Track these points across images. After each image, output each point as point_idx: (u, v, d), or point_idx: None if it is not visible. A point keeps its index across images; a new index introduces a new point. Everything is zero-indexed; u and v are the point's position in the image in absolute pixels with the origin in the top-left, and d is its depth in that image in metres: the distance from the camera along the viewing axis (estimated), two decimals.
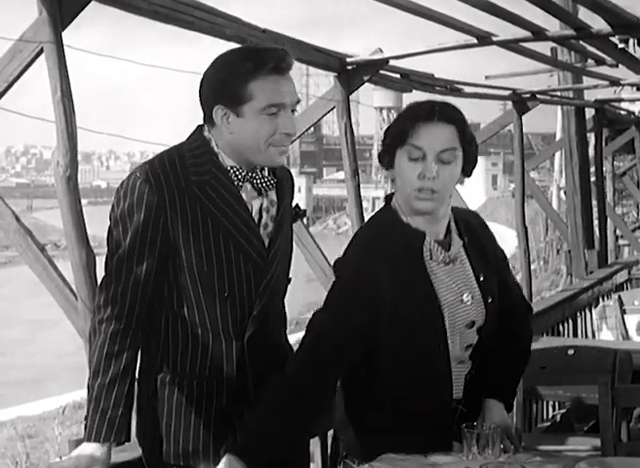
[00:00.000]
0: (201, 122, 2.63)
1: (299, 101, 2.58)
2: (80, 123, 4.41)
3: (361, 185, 6.21)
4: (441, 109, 2.58)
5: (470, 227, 2.74)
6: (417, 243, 2.62)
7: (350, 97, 5.98)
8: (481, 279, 2.70)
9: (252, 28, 4.69)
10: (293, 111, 2.57)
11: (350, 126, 6.09)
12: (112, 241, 2.58)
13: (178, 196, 2.51)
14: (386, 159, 2.64)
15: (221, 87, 2.52)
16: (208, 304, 2.57)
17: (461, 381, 2.73)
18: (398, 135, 2.59)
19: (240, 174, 2.58)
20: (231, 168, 2.57)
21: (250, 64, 2.48)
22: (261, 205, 2.63)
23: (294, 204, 2.80)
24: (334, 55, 5.54)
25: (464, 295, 2.66)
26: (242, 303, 2.58)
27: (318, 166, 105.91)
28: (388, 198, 2.71)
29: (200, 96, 2.59)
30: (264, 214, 2.63)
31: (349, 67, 5.72)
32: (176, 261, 2.55)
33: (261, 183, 2.60)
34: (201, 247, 2.53)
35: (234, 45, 4.78)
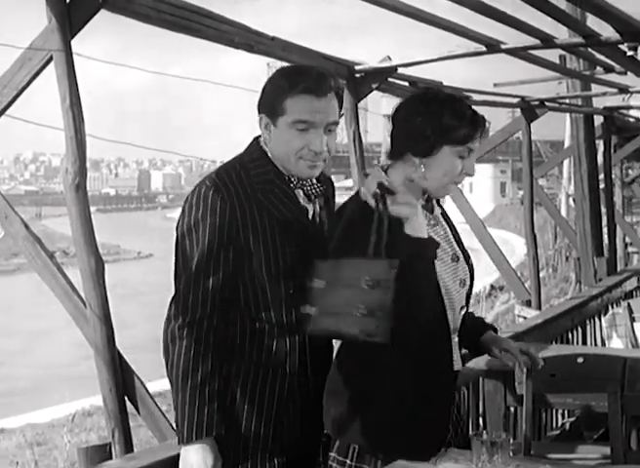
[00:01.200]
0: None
1: (335, 123, 2.80)
2: (89, 130, 4.42)
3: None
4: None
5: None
6: None
7: (359, 104, 5.99)
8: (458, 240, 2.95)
9: (260, 36, 4.70)
10: (330, 131, 2.80)
11: (359, 133, 6.09)
12: (185, 249, 2.75)
13: (246, 204, 2.73)
14: (425, 147, 2.79)
15: (266, 99, 2.80)
16: (275, 302, 2.80)
17: (457, 352, 2.93)
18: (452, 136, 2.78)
19: (293, 181, 2.84)
20: (287, 176, 2.83)
21: (286, 82, 2.75)
22: (314, 210, 2.90)
23: None
24: (342, 62, 5.55)
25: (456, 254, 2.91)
26: (302, 300, 2.75)
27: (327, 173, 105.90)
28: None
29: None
30: (316, 218, 2.90)
31: (358, 75, 5.72)
32: (248, 265, 2.76)
33: (311, 190, 2.87)
34: (269, 249, 2.76)
35: (243, 53, 4.81)
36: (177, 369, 2.69)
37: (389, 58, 5.68)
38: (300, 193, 2.87)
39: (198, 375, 2.68)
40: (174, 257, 2.80)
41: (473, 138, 2.80)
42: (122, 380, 4.62)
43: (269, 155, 2.83)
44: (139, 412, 4.81)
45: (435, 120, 2.78)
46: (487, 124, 2.89)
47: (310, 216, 2.89)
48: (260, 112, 2.82)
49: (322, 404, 2.90)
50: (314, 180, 2.88)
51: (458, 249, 2.93)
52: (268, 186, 2.79)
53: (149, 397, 4.80)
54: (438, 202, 3.00)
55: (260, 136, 2.87)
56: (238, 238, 2.73)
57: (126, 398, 4.69)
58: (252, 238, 2.74)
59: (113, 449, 4.43)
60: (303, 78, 2.75)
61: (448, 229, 2.96)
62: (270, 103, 2.78)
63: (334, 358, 2.93)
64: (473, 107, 2.88)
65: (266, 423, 2.82)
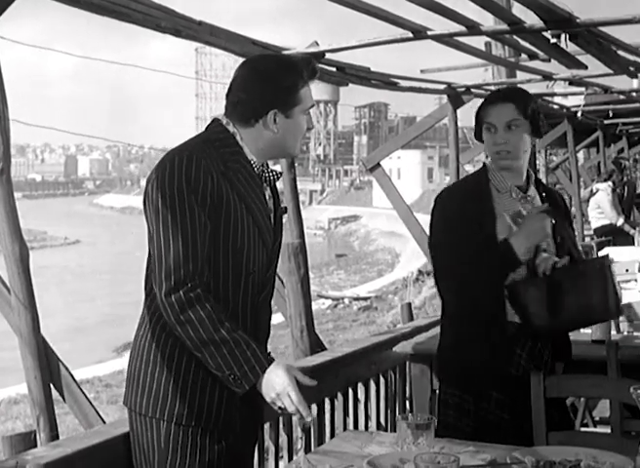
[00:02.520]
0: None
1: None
2: (14, 115, 4.35)
3: (298, 178, 6.22)
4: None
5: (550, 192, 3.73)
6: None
7: None
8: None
9: (187, 20, 4.67)
10: None
11: None
12: (167, 216, 2.73)
13: (218, 177, 2.79)
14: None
15: (278, 94, 2.87)
16: (234, 278, 2.83)
17: None
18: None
19: (256, 166, 2.93)
20: (252, 160, 2.91)
21: (300, 75, 2.88)
22: (268, 196, 2.98)
23: None
24: (270, 48, 5.53)
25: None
26: (258, 282, 2.89)
27: None
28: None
29: (241, 100, 2.89)
30: (268, 204, 2.97)
31: None
32: (216, 238, 2.79)
33: (270, 176, 2.97)
34: (238, 226, 2.82)
35: (170, 37, 4.77)
36: (206, 327, 2.69)
37: (317, 44, 5.69)
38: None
39: (225, 324, 2.71)
40: (147, 226, 2.77)
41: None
42: (47, 367, 4.57)
43: (237, 138, 2.89)
44: (64, 400, 4.78)
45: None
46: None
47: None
48: (265, 110, 2.87)
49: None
50: (272, 168, 3.00)
51: None
52: (236, 165, 2.85)
53: (75, 384, 4.76)
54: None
55: (218, 118, 2.94)
56: (211, 208, 2.75)
57: (51, 385, 4.65)
58: (224, 214, 2.79)
59: (38, 437, 4.38)
60: (309, 69, 2.92)
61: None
62: (285, 98, 2.88)
63: None
64: None
65: (219, 401, 2.82)
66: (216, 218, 2.77)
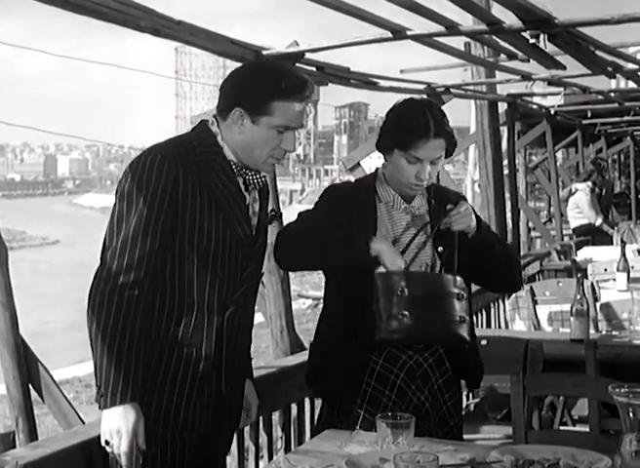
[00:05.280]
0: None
1: (303, 126, 2.92)
2: None
3: (278, 178, 6.21)
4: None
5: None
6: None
7: None
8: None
9: (166, 19, 4.65)
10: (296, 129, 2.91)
11: None
12: (123, 211, 2.75)
13: (189, 177, 2.77)
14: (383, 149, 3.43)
15: (249, 94, 2.83)
16: (200, 280, 2.81)
17: None
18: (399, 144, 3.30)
19: (237, 168, 2.88)
20: (231, 161, 2.88)
21: (276, 85, 2.81)
22: (252, 199, 2.95)
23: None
24: (250, 47, 5.52)
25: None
26: (228, 284, 2.85)
27: None
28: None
29: (223, 90, 2.90)
30: (250, 209, 2.94)
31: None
32: (180, 236, 2.77)
33: (254, 180, 2.92)
34: (204, 226, 2.78)
35: (149, 36, 4.75)
36: (104, 331, 2.67)
37: (296, 44, 5.68)
38: (240, 180, 2.91)
39: (126, 340, 2.68)
40: (109, 218, 2.78)
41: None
42: (26, 368, 4.56)
43: (218, 139, 2.87)
44: (43, 400, 4.76)
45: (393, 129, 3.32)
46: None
47: (248, 204, 2.93)
48: (232, 105, 2.84)
49: (241, 387, 2.98)
50: (257, 171, 2.94)
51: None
52: (212, 164, 2.83)
53: (54, 384, 4.75)
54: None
55: (206, 120, 2.91)
56: (176, 209, 2.75)
57: (30, 385, 4.63)
58: (189, 212, 2.77)
59: (17, 438, 4.37)
60: (293, 83, 2.83)
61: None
62: (254, 101, 2.81)
63: None
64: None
65: (179, 402, 2.80)
66: (182, 216, 2.76)
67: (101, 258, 2.76)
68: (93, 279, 2.74)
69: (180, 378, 2.80)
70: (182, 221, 2.77)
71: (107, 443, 2.69)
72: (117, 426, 2.66)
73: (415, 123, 3.24)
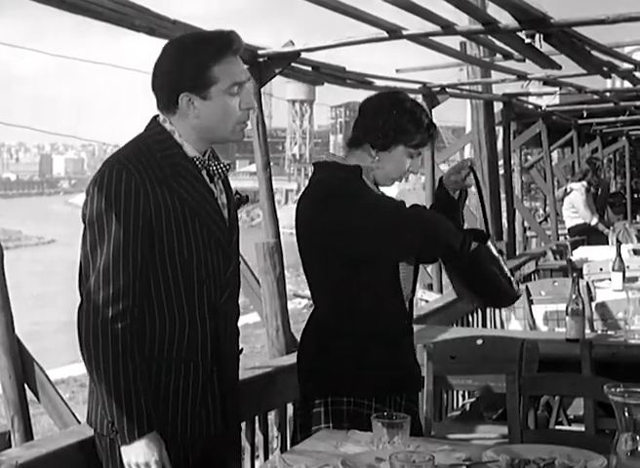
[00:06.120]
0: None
1: (249, 78, 2.83)
2: None
3: (274, 178, 6.21)
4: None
5: None
6: None
7: (263, 89, 5.97)
8: None
9: (161, 19, 4.65)
10: None
11: (262, 118, 6.07)
12: (95, 236, 2.60)
13: (158, 188, 2.63)
14: (384, 143, 3.31)
15: (184, 74, 2.67)
16: (187, 289, 2.71)
17: None
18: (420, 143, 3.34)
19: (200, 162, 2.75)
20: (194, 158, 2.74)
21: (211, 49, 2.67)
22: (219, 191, 2.83)
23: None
24: (245, 47, 5.52)
25: None
26: (215, 288, 2.76)
27: (231, 158, 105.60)
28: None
29: (156, 86, 2.74)
30: (219, 200, 2.82)
31: (261, 60, 5.70)
32: (159, 251, 2.66)
33: (216, 170, 2.79)
34: (182, 234, 2.67)
35: (144, 36, 4.75)
36: (105, 367, 2.58)
37: (292, 43, 5.68)
38: (203, 173, 2.78)
39: (129, 371, 2.59)
40: (81, 244, 2.64)
41: (425, 145, 3.35)
42: (21, 367, 4.55)
43: (175, 136, 2.73)
44: (39, 400, 4.75)
45: (398, 122, 3.26)
46: (439, 132, 3.48)
47: (214, 199, 2.81)
48: (175, 93, 2.69)
49: (236, 394, 2.92)
50: (219, 161, 2.83)
51: None
52: (177, 168, 2.69)
53: (50, 384, 4.74)
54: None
55: (158, 115, 2.78)
56: (150, 224, 2.62)
57: (26, 385, 4.62)
58: (164, 224, 2.64)
59: (12, 438, 4.37)
60: (223, 42, 2.71)
61: None
62: (193, 78, 2.66)
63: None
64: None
65: (183, 416, 2.74)
66: (157, 230, 2.64)
67: (82, 290, 2.65)
68: (78, 311, 2.63)
69: (181, 393, 2.73)
70: (159, 235, 2.65)
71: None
72: (144, 460, 2.60)
73: (430, 122, 3.37)
